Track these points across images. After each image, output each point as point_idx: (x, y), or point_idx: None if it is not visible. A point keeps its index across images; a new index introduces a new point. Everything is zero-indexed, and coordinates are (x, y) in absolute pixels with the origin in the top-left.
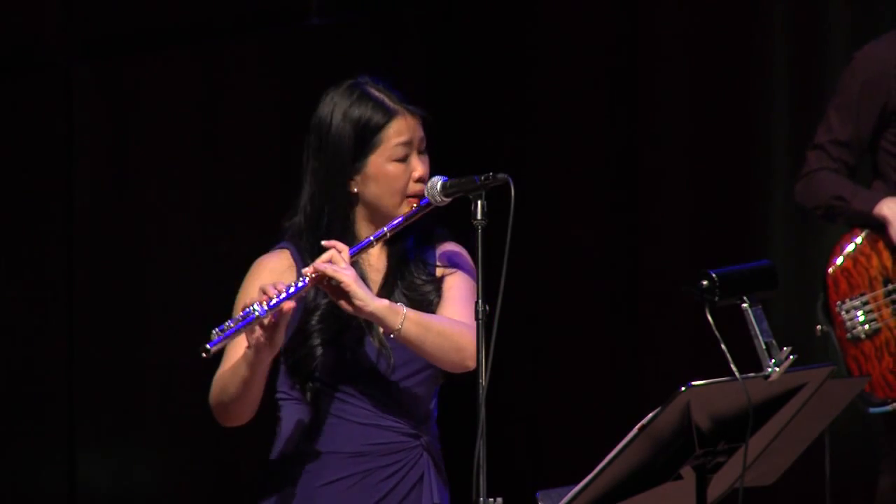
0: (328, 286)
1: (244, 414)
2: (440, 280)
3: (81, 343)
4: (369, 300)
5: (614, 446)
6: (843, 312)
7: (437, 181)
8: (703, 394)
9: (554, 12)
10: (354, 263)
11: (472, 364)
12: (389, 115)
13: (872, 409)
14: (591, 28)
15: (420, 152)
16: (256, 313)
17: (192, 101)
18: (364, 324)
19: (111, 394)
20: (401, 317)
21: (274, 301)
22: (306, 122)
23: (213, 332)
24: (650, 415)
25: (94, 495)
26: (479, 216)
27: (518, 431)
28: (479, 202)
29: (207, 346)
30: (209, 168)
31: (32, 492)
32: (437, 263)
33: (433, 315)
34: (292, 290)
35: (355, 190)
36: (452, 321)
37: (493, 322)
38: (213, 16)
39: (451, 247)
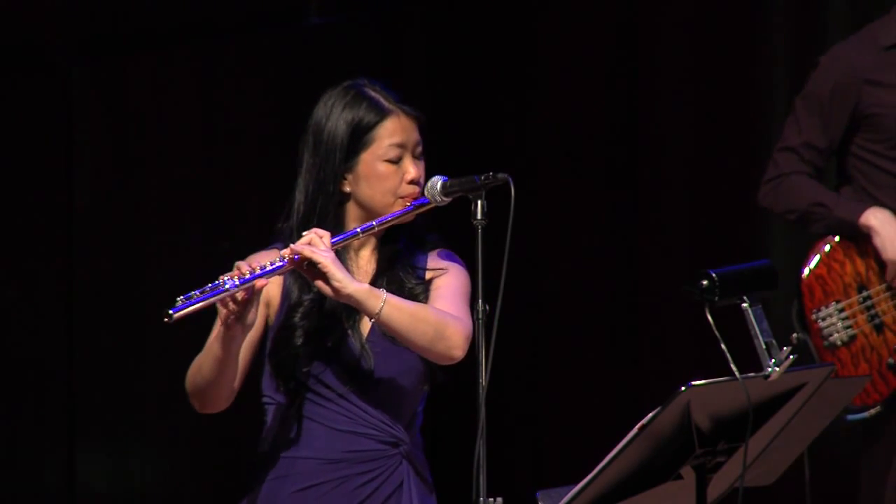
0: (307, 270)
1: (219, 399)
2: (430, 283)
3: (81, 343)
4: (347, 282)
5: (614, 446)
6: (819, 320)
7: (437, 181)
8: (703, 394)
9: (555, 11)
10: (340, 257)
11: (458, 354)
12: (383, 115)
13: (850, 416)
14: (591, 28)
15: (415, 157)
16: (227, 286)
17: (191, 101)
18: (347, 325)
19: (111, 393)
20: (380, 301)
21: (248, 276)
22: (306, 122)
23: (178, 299)
24: (650, 415)
25: (94, 495)
26: (479, 216)
27: (518, 431)
28: (479, 202)
29: (170, 312)
30: (209, 168)
31: (32, 491)
32: (428, 268)
33: (417, 303)
34: (268, 268)
35: (348, 189)
36: (437, 310)
37: (493, 322)
38: (212, 16)
39: (442, 252)
